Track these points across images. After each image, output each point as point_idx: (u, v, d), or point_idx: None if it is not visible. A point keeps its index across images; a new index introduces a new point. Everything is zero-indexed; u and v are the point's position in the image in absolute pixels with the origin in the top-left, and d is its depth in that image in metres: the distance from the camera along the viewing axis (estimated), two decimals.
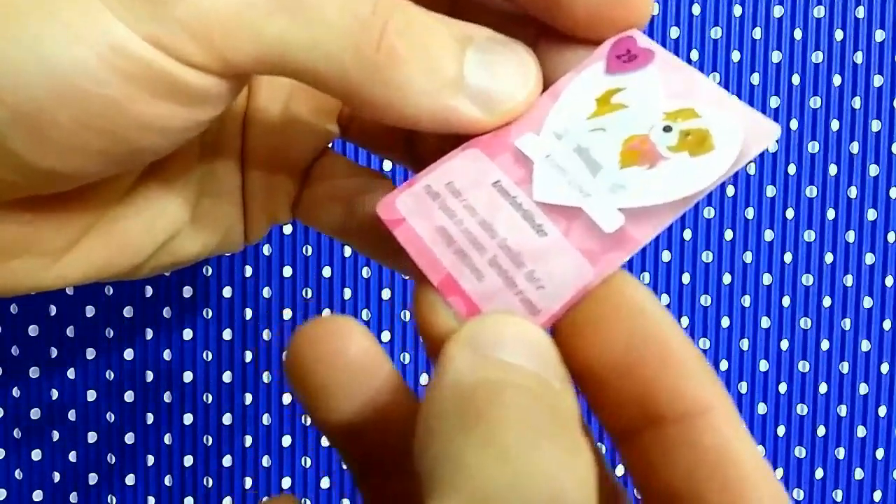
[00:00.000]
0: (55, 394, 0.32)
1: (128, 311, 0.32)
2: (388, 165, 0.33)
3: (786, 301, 0.34)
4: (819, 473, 0.35)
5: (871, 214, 0.34)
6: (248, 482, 0.34)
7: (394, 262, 0.20)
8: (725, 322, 0.34)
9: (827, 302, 0.34)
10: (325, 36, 0.15)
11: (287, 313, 0.33)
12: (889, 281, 0.34)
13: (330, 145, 0.22)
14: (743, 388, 0.34)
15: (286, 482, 0.34)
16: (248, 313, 0.33)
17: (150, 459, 0.33)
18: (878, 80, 0.34)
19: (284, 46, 0.15)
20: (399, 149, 0.21)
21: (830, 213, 0.34)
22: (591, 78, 0.17)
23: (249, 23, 0.15)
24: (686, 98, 0.17)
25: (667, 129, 0.16)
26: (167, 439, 0.33)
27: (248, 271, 0.33)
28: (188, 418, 0.33)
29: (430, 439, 0.13)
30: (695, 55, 0.33)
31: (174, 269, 0.21)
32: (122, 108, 0.15)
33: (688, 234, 0.34)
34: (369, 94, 0.16)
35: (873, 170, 0.34)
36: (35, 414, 0.32)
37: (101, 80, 0.15)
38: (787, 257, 0.34)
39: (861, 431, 0.35)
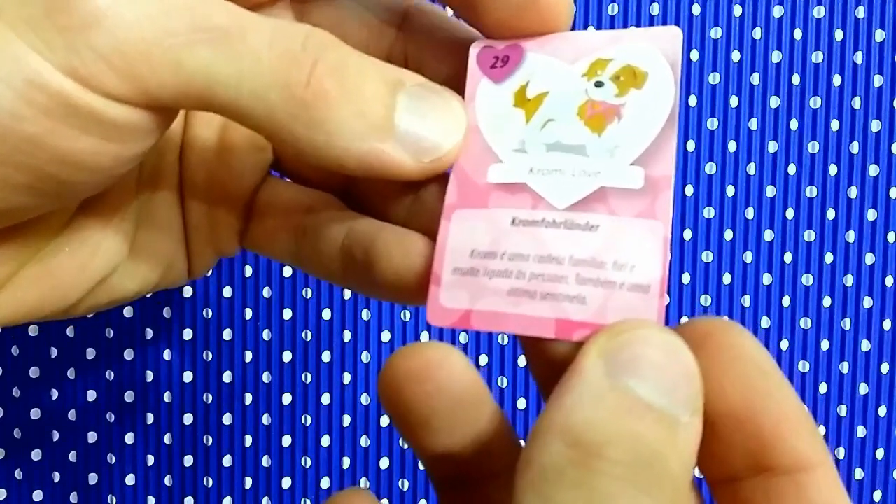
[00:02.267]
0: (55, 394, 0.32)
1: (128, 312, 0.32)
2: None
3: (786, 301, 0.34)
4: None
5: (871, 214, 0.34)
6: (248, 482, 0.34)
7: (351, 285, 0.20)
8: None
9: (827, 302, 0.34)
10: (251, 70, 0.15)
11: (287, 313, 0.33)
12: (889, 281, 0.34)
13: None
14: None
15: (286, 482, 0.34)
16: (248, 313, 0.33)
17: (150, 459, 0.33)
18: (878, 80, 0.34)
19: (208, 79, 0.15)
20: (334, 185, 0.20)
21: (830, 213, 0.34)
22: (488, 96, 0.17)
23: (171, 53, 0.14)
24: (585, 55, 0.17)
25: (598, 84, 0.17)
26: (167, 439, 0.33)
27: (249, 271, 0.33)
28: (188, 418, 0.33)
29: (530, 468, 0.13)
30: (695, 55, 0.33)
31: (112, 306, 0.20)
32: (42, 143, 0.14)
33: (688, 234, 0.34)
34: (296, 134, 0.15)
35: (873, 170, 0.34)
36: (35, 414, 0.32)
37: (17, 114, 0.14)
38: (787, 257, 0.34)
39: (861, 431, 0.35)
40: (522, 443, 0.16)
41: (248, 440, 0.34)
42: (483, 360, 0.34)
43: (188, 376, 0.33)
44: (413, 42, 0.19)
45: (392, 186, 0.18)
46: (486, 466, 0.16)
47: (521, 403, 0.34)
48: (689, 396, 0.13)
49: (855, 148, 0.34)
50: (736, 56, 0.34)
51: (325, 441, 0.34)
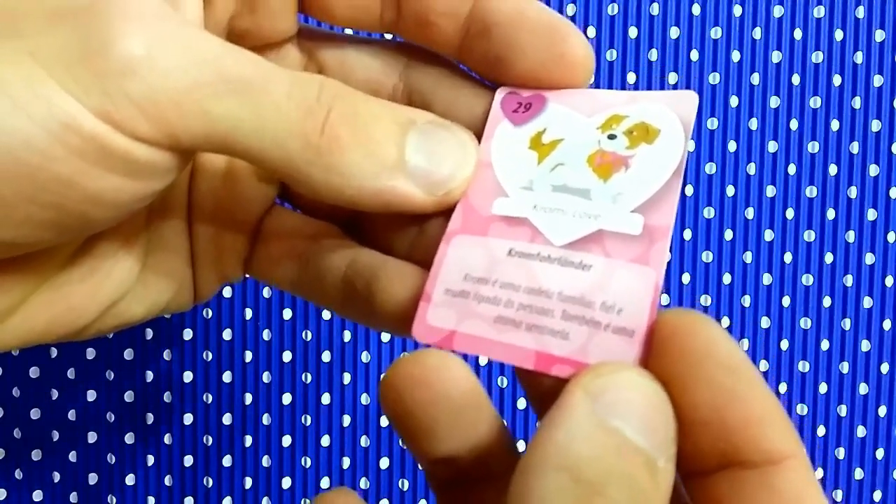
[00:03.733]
0: (55, 394, 0.32)
1: None
2: None
3: (786, 301, 0.34)
4: (819, 473, 0.35)
5: (871, 214, 0.34)
6: (248, 482, 0.34)
7: (350, 315, 0.20)
8: (725, 322, 0.34)
9: (827, 302, 0.34)
10: (271, 120, 0.16)
11: (287, 313, 0.33)
12: (889, 281, 0.34)
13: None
14: None
15: (286, 482, 0.34)
16: (248, 313, 0.33)
17: (150, 459, 0.33)
18: (878, 80, 0.34)
19: (232, 127, 0.16)
20: (339, 217, 0.21)
21: (830, 213, 0.34)
22: (505, 136, 0.18)
23: (199, 102, 0.15)
24: (602, 110, 0.18)
25: (611, 137, 0.17)
26: (167, 439, 0.33)
27: None
28: (188, 418, 0.33)
29: (530, 500, 0.13)
30: (695, 55, 0.33)
31: (118, 330, 0.20)
32: (72, 183, 0.15)
33: (688, 234, 0.34)
34: (313, 178, 0.16)
35: (873, 170, 0.34)
36: (35, 414, 0.32)
37: (50, 155, 0.14)
38: (787, 257, 0.34)
39: (861, 431, 0.35)
40: (521, 445, 0.16)
41: (248, 440, 0.34)
42: (483, 360, 0.34)
43: (188, 376, 0.33)
44: (418, 80, 0.20)
45: (398, 219, 0.19)
46: (484, 470, 0.16)
47: (521, 403, 0.34)
48: (667, 442, 0.14)
49: (855, 148, 0.34)
50: (736, 56, 0.34)
51: (325, 441, 0.34)
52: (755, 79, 0.34)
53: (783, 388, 0.35)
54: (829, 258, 0.34)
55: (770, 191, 0.34)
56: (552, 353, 0.15)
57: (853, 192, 0.34)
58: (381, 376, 0.16)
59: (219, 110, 0.15)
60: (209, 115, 0.15)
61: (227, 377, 0.33)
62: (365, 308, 0.18)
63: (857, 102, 0.34)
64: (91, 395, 0.33)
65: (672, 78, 0.33)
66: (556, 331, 0.15)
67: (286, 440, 0.34)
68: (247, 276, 0.22)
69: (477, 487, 0.16)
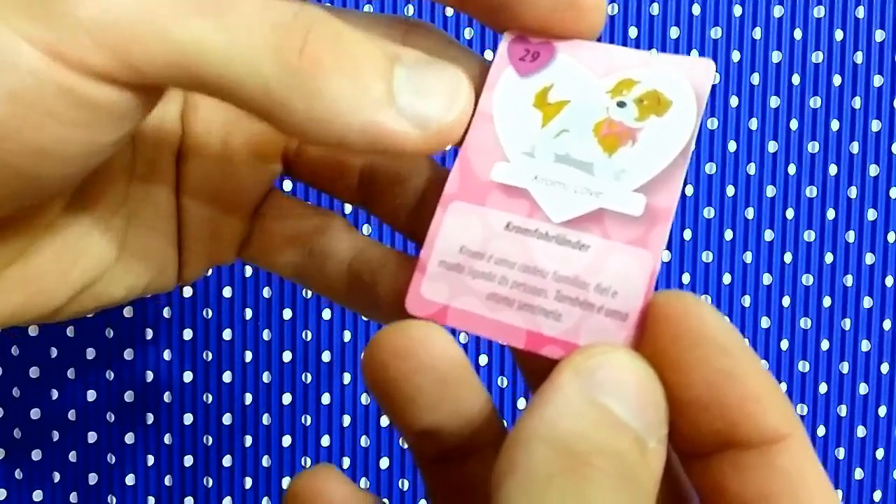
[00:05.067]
0: (55, 394, 0.32)
1: (128, 312, 0.32)
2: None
3: (786, 301, 0.34)
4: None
5: (871, 214, 0.34)
6: (248, 482, 0.34)
7: (354, 306, 0.20)
8: None
9: (827, 302, 0.34)
10: (243, 40, 0.14)
11: (287, 313, 0.33)
12: (889, 281, 0.34)
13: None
14: None
15: (286, 482, 0.34)
16: (248, 313, 0.33)
17: (150, 459, 0.33)
18: (878, 80, 0.34)
19: (199, 52, 0.14)
20: (349, 185, 0.20)
21: (830, 213, 0.34)
22: (510, 87, 0.17)
23: (160, 24, 0.14)
24: (614, 71, 0.17)
25: (620, 104, 0.16)
26: (167, 439, 0.33)
27: (249, 271, 0.33)
28: (188, 418, 0.33)
29: (516, 471, 0.13)
30: (695, 55, 0.33)
31: (97, 311, 0.19)
32: (10, 132, 0.13)
33: (688, 234, 0.34)
34: (292, 108, 0.15)
35: (873, 170, 0.34)
36: (35, 414, 0.32)
37: None
38: (787, 257, 0.34)
39: (861, 431, 0.35)
40: (506, 423, 0.16)
41: (248, 440, 0.34)
42: (483, 360, 0.34)
43: (188, 376, 0.33)
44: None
45: (401, 193, 0.18)
46: (469, 443, 0.16)
47: (522, 403, 0.34)
48: (657, 423, 0.14)
49: (855, 148, 0.34)
50: (736, 56, 0.34)
51: (325, 441, 0.34)
52: (755, 79, 0.34)
53: (783, 387, 0.35)
54: (829, 258, 0.34)
55: (770, 191, 0.34)
56: (543, 334, 0.15)
57: (853, 192, 0.34)
58: (364, 349, 0.15)
59: (182, 33, 0.14)
60: (171, 40, 0.14)
61: (227, 377, 0.33)
62: (370, 300, 0.18)
63: (857, 102, 0.34)
64: (91, 395, 0.33)
65: None
66: (548, 311, 0.15)
67: (286, 440, 0.34)
68: (241, 260, 0.21)
69: (462, 462, 0.16)
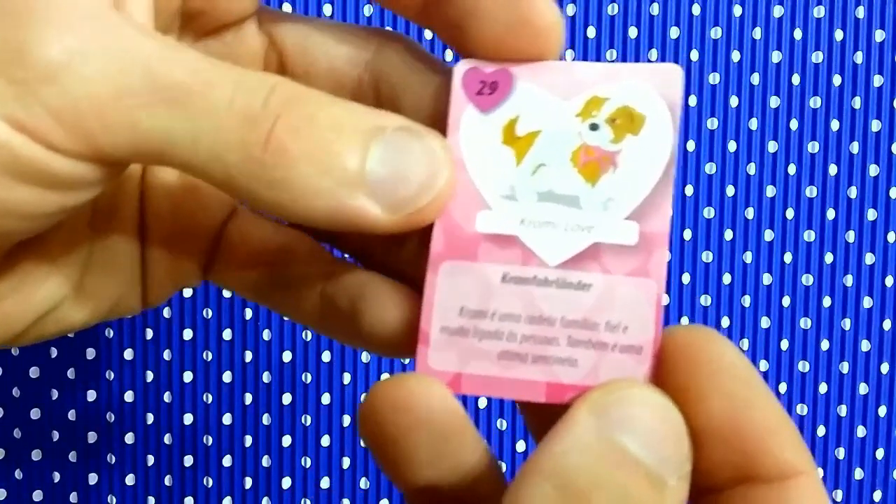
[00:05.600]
0: (55, 394, 0.32)
1: None
2: None
3: (786, 301, 0.34)
4: (819, 473, 0.35)
5: (871, 214, 0.34)
6: (248, 482, 0.34)
7: (330, 333, 0.19)
8: (725, 322, 0.34)
9: (827, 302, 0.34)
10: (208, 131, 0.14)
11: None
12: (889, 281, 0.34)
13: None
14: None
15: (286, 482, 0.34)
16: (248, 313, 0.33)
17: (150, 459, 0.33)
18: (878, 80, 0.34)
19: (164, 139, 0.14)
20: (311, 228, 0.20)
21: (830, 213, 0.34)
22: (474, 127, 0.16)
23: (127, 113, 0.14)
24: (579, 91, 0.16)
25: (593, 127, 0.16)
26: (167, 439, 0.33)
27: None
28: (188, 418, 0.33)
29: None
30: (695, 55, 0.33)
31: (60, 336, 0.19)
32: None
33: (688, 234, 0.34)
34: (257, 194, 0.15)
35: (873, 170, 0.34)
36: (35, 414, 0.32)
37: None
38: (787, 257, 0.34)
39: (861, 431, 0.35)
40: (521, 446, 0.16)
41: (248, 440, 0.34)
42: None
43: (188, 376, 0.33)
44: (386, 70, 0.18)
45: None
46: (469, 496, 0.15)
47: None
48: (679, 460, 0.14)
49: (855, 148, 0.34)
50: (736, 56, 0.34)
51: (325, 441, 0.34)
52: (755, 79, 0.34)
53: (783, 388, 0.35)
54: (829, 258, 0.34)
55: (770, 191, 0.34)
56: (562, 382, 0.15)
57: (853, 192, 0.34)
58: (361, 400, 0.15)
59: (148, 121, 0.14)
60: (137, 127, 0.14)
61: (227, 377, 0.33)
62: (349, 327, 0.17)
63: (857, 102, 0.34)
64: (91, 395, 0.33)
65: None
66: (563, 359, 0.15)
67: (286, 440, 0.34)
68: (205, 282, 0.20)
69: None
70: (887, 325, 0.35)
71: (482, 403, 0.34)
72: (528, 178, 0.16)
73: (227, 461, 0.34)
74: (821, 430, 0.35)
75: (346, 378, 0.34)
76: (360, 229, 0.15)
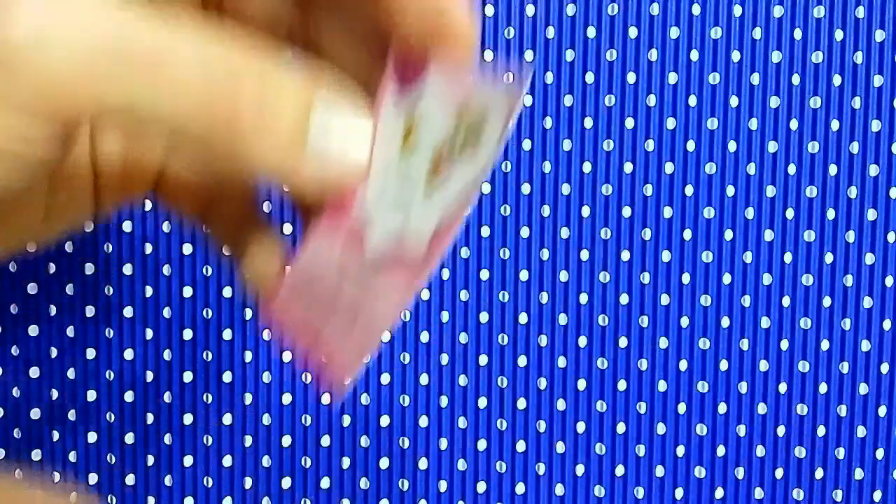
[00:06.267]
0: (55, 394, 0.32)
1: (128, 312, 0.32)
2: None
3: (786, 301, 0.34)
4: (819, 473, 0.35)
5: (871, 214, 0.34)
6: (248, 482, 0.34)
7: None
8: (725, 322, 0.34)
9: (827, 302, 0.34)
10: (171, 100, 0.15)
11: None
12: (889, 281, 0.34)
13: None
14: (743, 388, 0.34)
15: (286, 482, 0.34)
16: (248, 313, 0.33)
17: (150, 459, 0.33)
18: (878, 80, 0.34)
19: (128, 107, 0.15)
20: (202, 216, 0.22)
21: (830, 213, 0.34)
22: (388, 120, 0.18)
23: (91, 83, 0.15)
24: (462, 97, 0.18)
25: (452, 144, 0.18)
26: (167, 439, 0.33)
27: None
28: (188, 418, 0.33)
29: None
30: (695, 55, 0.33)
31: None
32: None
33: (688, 234, 0.34)
34: (212, 156, 0.16)
35: (873, 170, 0.34)
36: (35, 414, 0.32)
37: None
38: (787, 257, 0.34)
39: (861, 431, 0.35)
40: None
41: (248, 440, 0.34)
42: (483, 360, 0.34)
43: (188, 376, 0.33)
44: (318, 22, 0.20)
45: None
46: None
47: (521, 403, 0.34)
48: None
49: (855, 148, 0.34)
50: (736, 56, 0.34)
51: (325, 441, 0.34)
52: (755, 79, 0.34)
53: (783, 388, 0.35)
54: (829, 258, 0.34)
55: (770, 191, 0.34)
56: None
57: (853, 192, 0.34)
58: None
59: (113, 91, 0.15)
60: (102, 98, 0.15)
61: (227, 377, 0.33)
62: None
63: (857, 102, 0.34)
64: (91, 395, 0.33)
65: (672, 78, 0.33)
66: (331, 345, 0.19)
67: (286, 440, 0.34)
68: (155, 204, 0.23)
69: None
70: (887, 325, 0.35)
71: (482, 403, 0.34)
72: (399, 182, 0.18)
73: (227, 461, 0.34)
74: (821, 430, 0.35)
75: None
76: (301, 188, 0.17)
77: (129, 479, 0.33)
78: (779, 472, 0.35)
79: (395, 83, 0.18)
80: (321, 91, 0.17)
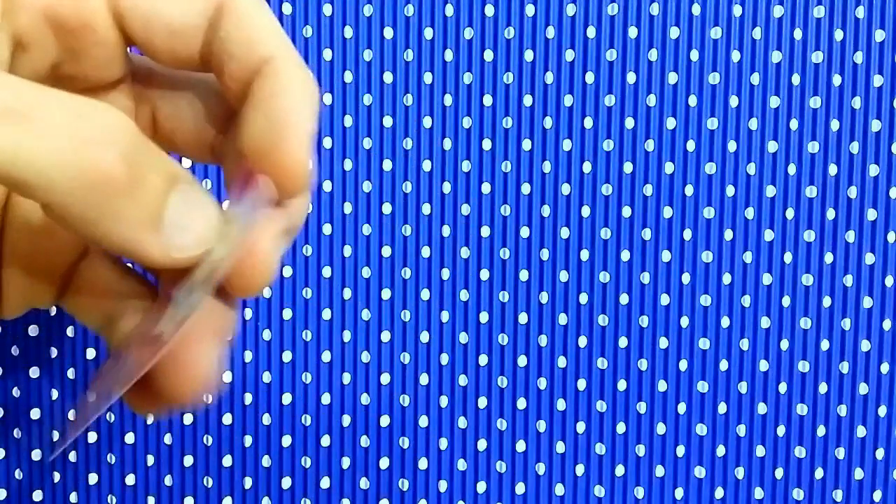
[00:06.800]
0: (55, 394, 0.32)
1: None
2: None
3: (786, 301, 0.34)
4: (819, 473, 0.35)
5: (871, 214, 0.34)
6: (248, 482, 0.34)
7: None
8: (725, 322, 0.34)
9: (827, 302, 0.34)
10: (36, 149, 0.15)
11: (287, 313, 0.33)
12: (889, 281, 0.34)
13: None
14: (743, 388, 0.34)
15: (286, 482, 0.34)
16: (248, 313, 0.33)
17: (150, 459, 0.33)
18: (878, 80, 0.34)
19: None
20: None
21: (830, 213, 0.34)
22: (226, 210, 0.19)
23: None
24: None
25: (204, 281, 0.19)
26: (167, 439, 0.33)
27: None
28: (188, 418, 0.33)
29: None
30: (695, 55, 0.33)
31: None
32: None
33: (688, 234, 0.34)
34: (68, 212, 0.16)
35: (873, 170, 0.34)
36: (35, 414, 0.32)
37: None
38: (787, 257, 0.34)
39: (861, 431, 0.35)
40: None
41: (248, 440, 0.34)
42: (483, 360, 0.34)
43: None
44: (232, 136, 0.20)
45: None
46: None
47: (521, 403, 0.34)
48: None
49: (855, 148, 0.34)
50: (736, 56, 0.34)
51: (325, 441, 0.34)
52: (755, 79, 0.34)
53: (783, 388, 0.35)
54: (829, 258, 0.34)
55: (770, 191, 0.34)
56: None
57: (853, 192, 0.34)
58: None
59: None
60: None
61: (227, 378, 0.33)
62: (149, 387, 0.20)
63: (857, 102, 0.34)
64: (91, 395, 0.33)
65: (672, 78, 0.33)
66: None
67: (286, 440, 0.34)
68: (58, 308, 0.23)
69: None
70: (887, 325, 0.35)
71: (482, 403, 0.34)
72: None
73: (227, 461, 0.34)
74: (821, 430, 0.35)
75: (346, 378, 0.34)
76: (140, 261, 0.17)
77: (129, 479, 0.33)
78: (779, 472, 0.35)
79: (234, 191, 0.19)
80: (184, 174, 0.18)
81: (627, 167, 0.34)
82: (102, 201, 0.16)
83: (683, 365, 0.34)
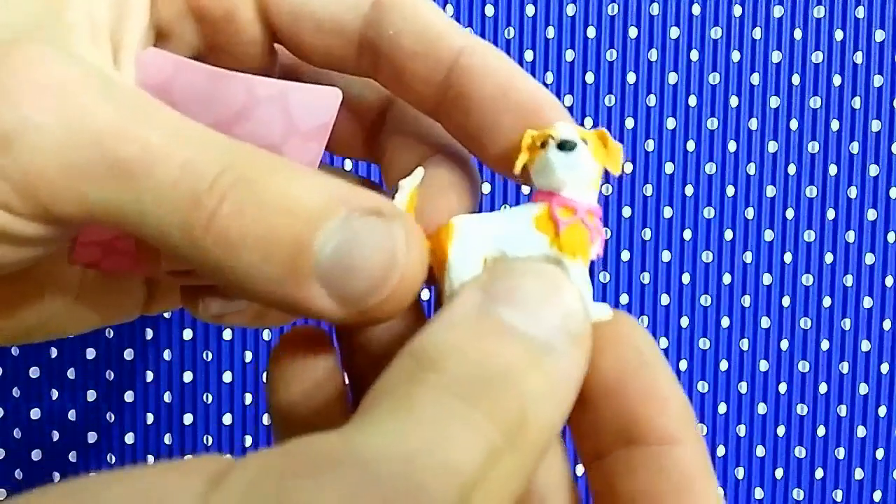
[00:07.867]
0: (55, 394, 0.32)
1: None
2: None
3: (786, 301, 0.34)
4: (819, 473, 0.35)
5: (871, 214, 0.34)
6: None
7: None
8: (725, 322, 0.34)
9: (827, 302, 0.34)
10: (153, 209, 0.14)
11: None
12: (889, 281, 0.34)
13: None
14: (743, 388, 0.34)
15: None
16: None
17: (150, 459, 0.33)
18: (878, 80, 0.34)
19: (111, 213, 0.14)
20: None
21: (830, 213, 0.34)
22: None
23: (76, 184, 0.14)
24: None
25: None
26: (167, 439, 0.33)
27: None
28: (188, 418, 0.33)
29: (375, 384, 0.13)
30: (695, 55, 0.33)
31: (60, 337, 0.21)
32: None
33: (688, 234, 0.34)
34: (203, 271, 0.14)
35: (873, 170, 0.34)
36: (35, 414, 0.32)
37: None
38: (787, 257, 0.34)
39: (861, 431, 0.35)
40: None
41: (248, 440, 0.34)
42: None
43: (188, 376, 0.33)
44: (391, 131, 0.19)
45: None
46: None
47: None
48: (565, 325, 0.13)
49: (855, 148, 0.34)
50: (736, 56, 0.34)
51: None
52: (755, 79, 0.34)
53: (783, 388, 0.35)
54: (829, 258, 0.34)
55: (770, 191, 0.34)
56: None
57: (853, 192, 0.34)
58: None
59: (95, 195, 0.14)
60: (86, 199, 0.14)
61: (227, 377, 0.33)
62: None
63: (857, 102, 0.34)
64: (91, 395, 0.33)
65: (672, 78, 0.33)
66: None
67: None
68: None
69: None
70: (887, 325, 0.35)
71: None
72: None
73: None
74: (821, 430, 0.35)
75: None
76: (311, 317, 0.15)
77: None
78: (779, 472, 0.35)
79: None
80: (349, 196, 0.14)
81: (628, 167, 0.33)
82: (221, 260, 0.14)
83: (683, 365, 0.34)
